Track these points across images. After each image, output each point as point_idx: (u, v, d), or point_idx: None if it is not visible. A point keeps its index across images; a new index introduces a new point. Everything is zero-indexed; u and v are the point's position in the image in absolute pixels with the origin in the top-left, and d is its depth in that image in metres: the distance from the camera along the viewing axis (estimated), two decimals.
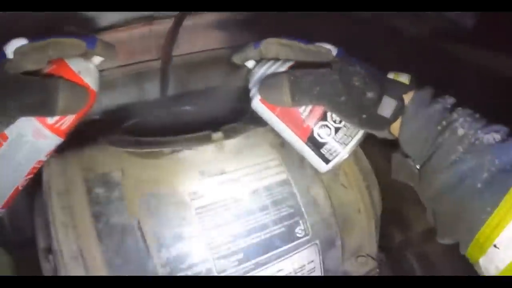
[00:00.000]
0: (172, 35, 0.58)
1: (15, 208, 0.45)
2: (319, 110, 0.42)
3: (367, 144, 0.47)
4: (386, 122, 0.40)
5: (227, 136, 0.46)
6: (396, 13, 0.50)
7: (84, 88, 0.40)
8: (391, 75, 0.41)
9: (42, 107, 0.37)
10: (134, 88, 0.60)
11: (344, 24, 0.53)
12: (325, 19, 0.52)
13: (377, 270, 0.52)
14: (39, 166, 0.43)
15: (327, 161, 0.44)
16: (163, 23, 0.58)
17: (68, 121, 0.42)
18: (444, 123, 0.38)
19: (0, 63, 0.36)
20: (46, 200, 0.44)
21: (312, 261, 0.48)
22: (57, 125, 0.41)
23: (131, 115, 0.58)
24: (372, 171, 0.56)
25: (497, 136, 0.36)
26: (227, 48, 0.61)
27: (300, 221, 0.47)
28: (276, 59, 0.44)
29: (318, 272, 0.48)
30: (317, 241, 0.48)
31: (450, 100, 0.39)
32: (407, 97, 0.40)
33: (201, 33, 0.61)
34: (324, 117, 0.42)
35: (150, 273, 0.42)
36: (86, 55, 0.42)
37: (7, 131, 0.38)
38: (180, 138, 0.46)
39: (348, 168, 0.53)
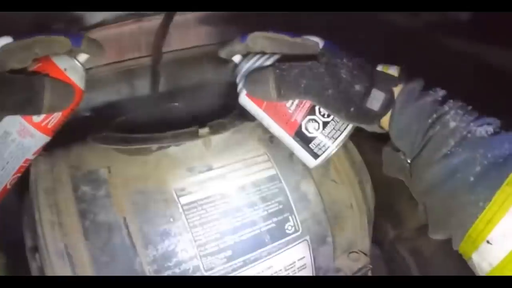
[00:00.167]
0: (162, 32, 0.58)
1: (3, 207, 0.45)
2: (306, 104, 0.42)
3: (360, 137, 0.47)
4: (375, 116, 0.39)
5: (214, 131, 0.46)
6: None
7: (70, 85, 0.40)
8: (380, 67, 0.41)
9: (28, 105, 0.37)
10: (124, 85, 0.60)
11: (334, 16, 0.52)
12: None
13: (370, 266, 0.51)
14: (27, 164, 0.43)
15: (316, 156, 0.43)
16: (153, 20, 0.58)
17: (54, 119, 0.42)
18: (435, 116, 0.37)
19: None
20: (32, 198, 0.44)
21: (303, 257, 0.47)
22: (43, 124, 0.41)
23: (121, 112, 0.58)
24: (365, 166, 0.55)
25: (490, 129, 0.35)
26: (218, 43, 0.61)
27: (290, 217, 0.47)
28: (263, 53, 0.44)
29: (309, 269, 0.48)
30: (308, 237, 0.47)
31: (441, 93, 0.38)
32: (397, 90, 0.39)
33: (191, 29, 0.61)
34: (312, 111, 0.42)
35: (137, 270, 0.41)
36: (72, 53, 0.41)
37: None
38: (167, 134, 0.45)
39: (339, 163, 0.52)
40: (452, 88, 0.39)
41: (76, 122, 0.48)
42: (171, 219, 0.43)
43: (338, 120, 0.42)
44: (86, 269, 0.40)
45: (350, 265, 0.50)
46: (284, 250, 0.46)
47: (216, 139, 0.46)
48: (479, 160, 0.34)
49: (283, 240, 0.46)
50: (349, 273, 0.50)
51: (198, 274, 0.42)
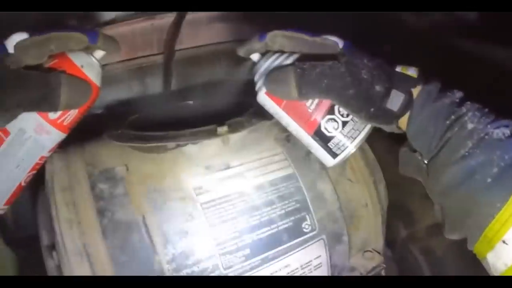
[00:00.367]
0: (175, 30, 0.57)
1: (18, 205, 0.44)
2: (326, 103, 0.42)
3: (373, 138, 0.47)
4: (394, 116, 0.39)
5: (232, 130, 0.45)
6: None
7: (87, 82, 0.40)
8: (399, 68, 0.41)
9: (44, 102, 0.37)
10: (136, 83, 0.60)
11: (348, 16, 0.52)
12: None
13: (384, 265, 0.51)
14: (42, 162, 0.43)
15: (334, 155, 0.43)
16: (165, 17, 0.58)
17: (70, 116, 0.41)
18: (453, 117, 0.37)
19: (0, 57, 0.36)
20: (49, 196, 0.44)
21: (319, 256, 0.48)
22: (59, 121, 0.41)
23: (133, 110, 0.57)
24: (378, 165, 0.55)
25: (507, 131, 0.35)
26: (231, 41, 0.60)
27: (307, 216, 0.47)
28: (282, 52, 0.44)
29: (325, 268, 0.48)
30: (324, 236, 0.48)
31: (458, 94, 0.38)
32: (415, 91, 0.39)
33: (203, 27, 0.61)
34: (331, 111, 0.42)
35: (155, 269, 0.41)
36: (88, 50, 0.41)
37: (8, 127, 0.38)
38: (185, 132, 0.45)
39: (355, 163, 0.53)
40: (460, 89, 0.39)
41: (88, 120, 0.48)
42: (190, 218, 0.43)
43: (357, 120, 0.42)
44: (105, 268, 0.40)
45: (365, 264, 0.51)
46: (301, 249, 0.46)
47: (234, 137, 0.46)
48: (496, 161, 0.34)
49: (300, 239, 0.46)
50: (363, 272, 0.50)
51: (217, 272, 0.42)
